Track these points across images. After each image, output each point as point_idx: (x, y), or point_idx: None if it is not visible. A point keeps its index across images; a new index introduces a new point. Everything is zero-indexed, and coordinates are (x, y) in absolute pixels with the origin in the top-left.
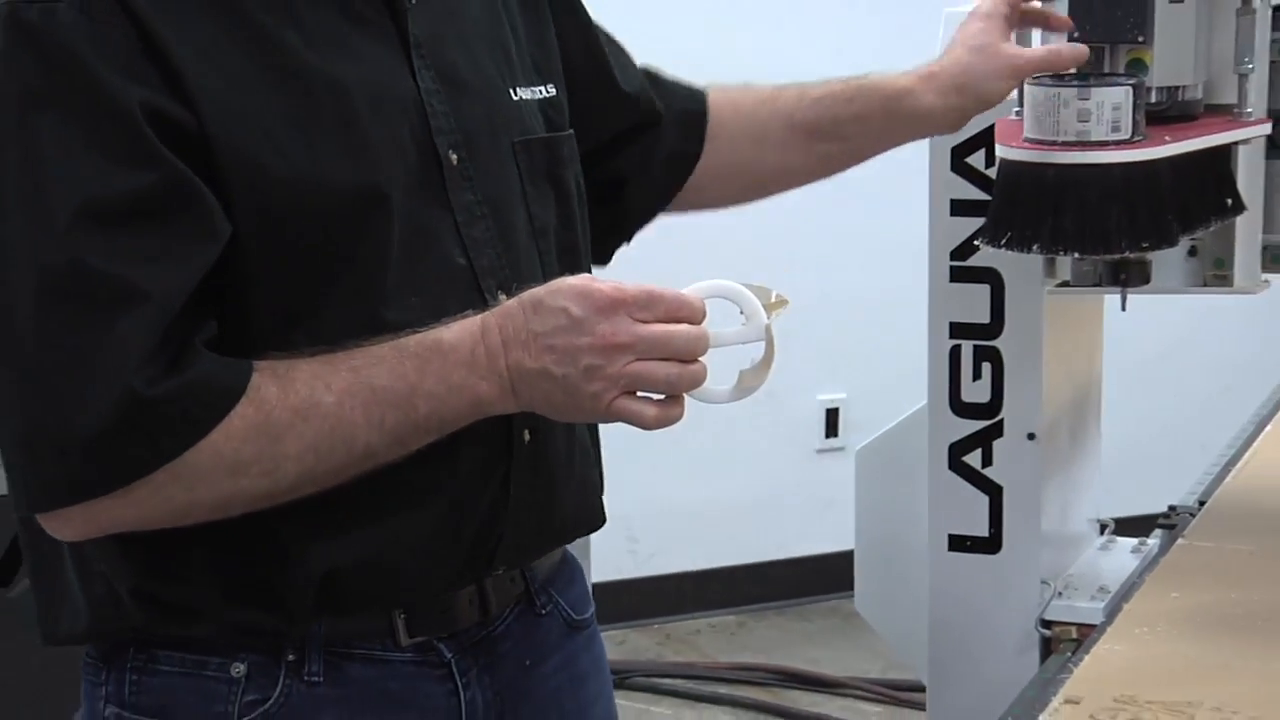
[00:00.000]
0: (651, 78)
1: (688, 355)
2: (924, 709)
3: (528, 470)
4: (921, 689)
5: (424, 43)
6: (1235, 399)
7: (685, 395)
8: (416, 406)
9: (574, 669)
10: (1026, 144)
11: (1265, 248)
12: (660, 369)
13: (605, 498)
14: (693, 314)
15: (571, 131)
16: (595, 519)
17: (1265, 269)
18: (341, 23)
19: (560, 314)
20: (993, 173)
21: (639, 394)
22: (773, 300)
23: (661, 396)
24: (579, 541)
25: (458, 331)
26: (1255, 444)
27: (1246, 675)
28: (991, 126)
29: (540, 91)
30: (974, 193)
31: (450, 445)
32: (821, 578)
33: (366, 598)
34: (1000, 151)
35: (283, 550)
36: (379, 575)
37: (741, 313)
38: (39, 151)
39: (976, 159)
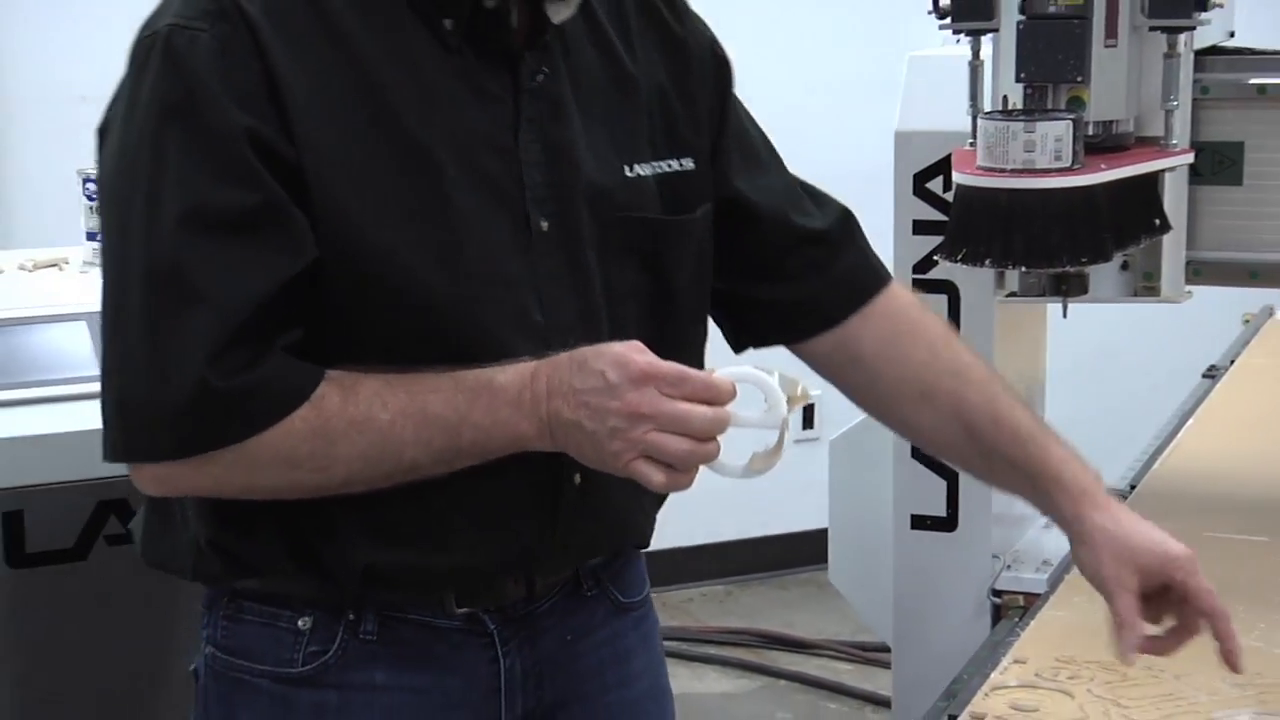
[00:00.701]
0: (845, 224)
1: (703, 434)
2: (889, 667)
3: (575, 510)
4: (887, 650)
5: (537, 118)
6: (1161, 396)
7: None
8: (462, 434)
9: (618, 646)
10: (979, 171)
11: (1189, 262)
12: (674, 443)
13: None
14: (717, 397)
15: (696, 214)
16: (640, 541)
17: (1188, 281)
18: (462, 91)
19: (599, 376)
20: (950, 197)
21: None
22: (798, 394)
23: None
24: None
25: (510, 374)
26: (1178, 436)
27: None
28: (949, 155)
29: (667, 166)
30: (933, 214)
31: (504, 481)
32: (799, 552)
33: (407, 587)
34: (956, 178)
35: (334, 535)
36: (419, 576)
37: (765, 401)
38: (164, 156)
39: (935, 184)
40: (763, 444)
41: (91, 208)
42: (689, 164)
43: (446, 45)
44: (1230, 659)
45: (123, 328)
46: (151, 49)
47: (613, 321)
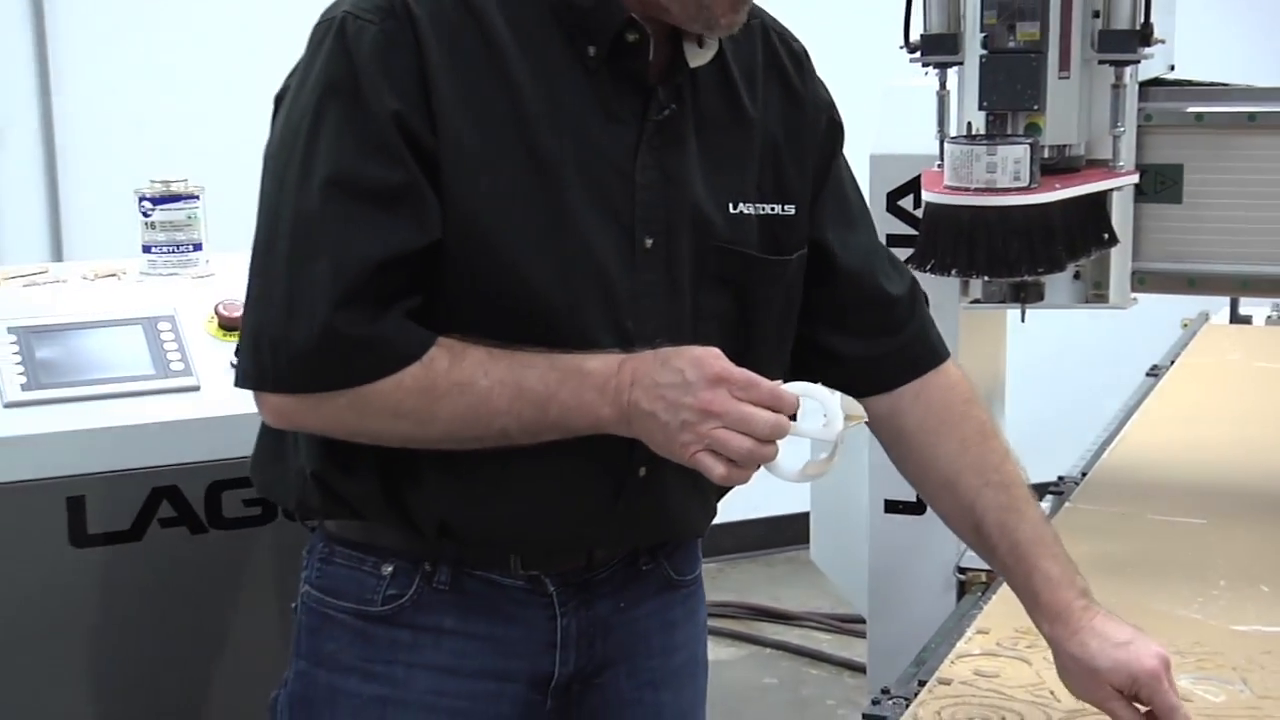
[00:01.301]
0: (914, 295)
1: (764, 437)
2: (865, 637)
3: (637, 499)
4: (862, 621)
5: (657, 147)
6: (1109, 392)
7: (766, 464)
8: (549, 410)
9: (665, 617)
10: (946, 190)
11: (1134, 272)
12: (738, 441)
13: None
14: (781, 405)
15: (791, 256)
16: (694, 533)
17: (1133, 289)
18: (594, 112)
19: (678, 373)
20: (920, 213)
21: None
22: (855, 413)
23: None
24: None
25: (599, 362)
26: (1125, 429)
27: (1120, 609)
28: (919, 176)
29: (770, 209)
30: (904, 229)
31: (575, 464)
32: (783, 533)
33: (478, 545)
34: (926, 196)
35: (419, 484)
36: (488, 536)
37: (824, 416)
38: (321, 126)
39: (907, 202)
40: (815, 454)
41: (146, 224)
42: (791, 210)
43: (587, 69)
44: None
45: (266, 269)
46: (328, 32)
47: (695, 339)
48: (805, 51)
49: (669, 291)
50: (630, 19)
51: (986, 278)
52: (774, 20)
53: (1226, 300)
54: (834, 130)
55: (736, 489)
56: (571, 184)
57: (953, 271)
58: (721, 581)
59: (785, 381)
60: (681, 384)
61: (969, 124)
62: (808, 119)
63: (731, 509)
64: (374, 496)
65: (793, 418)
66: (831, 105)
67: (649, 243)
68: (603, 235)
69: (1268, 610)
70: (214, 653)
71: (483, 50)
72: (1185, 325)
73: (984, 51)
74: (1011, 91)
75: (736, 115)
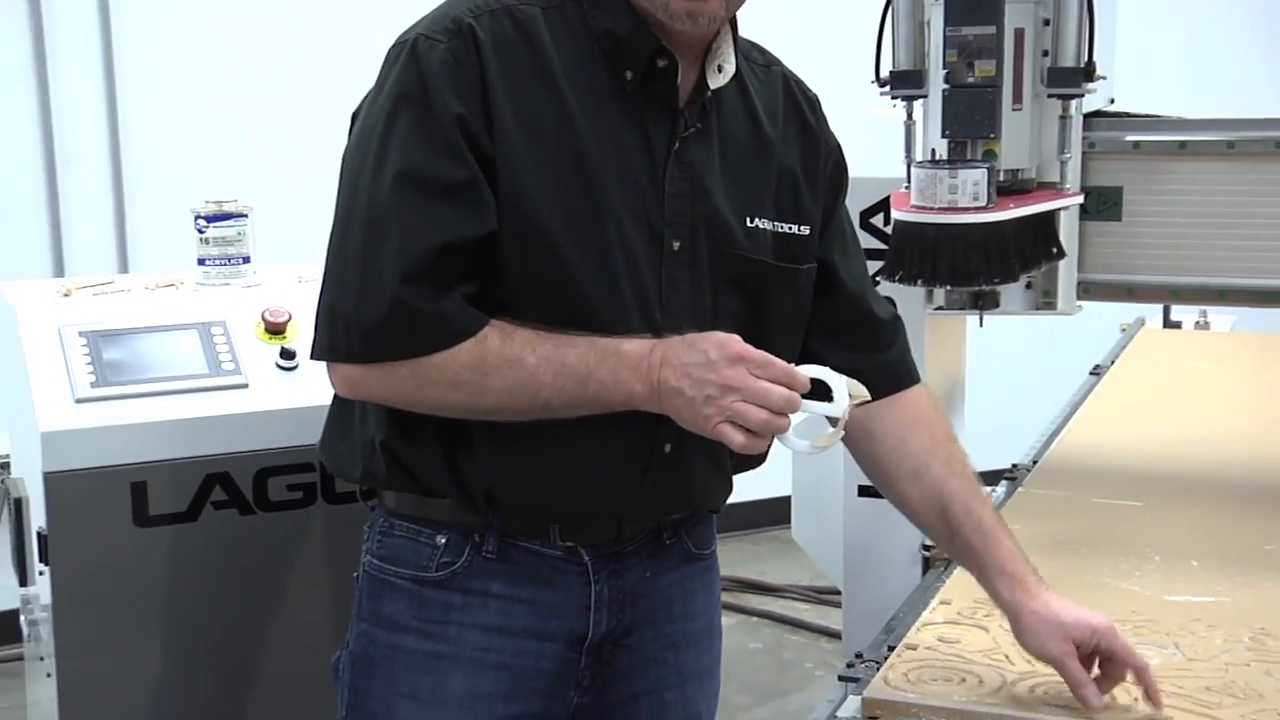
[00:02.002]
0: (897, 323)
1: (779, 409)
2: (840, 607)
3: (662, 474)
4: (838, 593)
5: (686, 161)
6: (1056, 389)
7: (780, 436)
8: (589, 385)
9: (686, 586)
10: (913, 209)
11: (1079, 282)
12: (755, 413)
13: None
14: (794, 383)
15: (801, 269)
16: (713, 507)
17: (1079, 297)
18: (630, 128)
19: (702, 354)
20: (890, 230)
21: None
22: (858, 393)
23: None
24: None
25: (634, 344)
26: (1070, 422)
27: (1067, 581)
28: (889, 196)
29: (785, 227)
30: (876, 244)
31: (606, 441)
32: (768, 515)
33: (519, 513)
34: (894, 214)
35: (471, 452)
36: (528, 508)
37: (831, 394)
38: (394, 129)
39: (878, 219)
40: (823, 429)
41: (201, 239)
42: (804, 230)
43: (625, 90)
44: (1155, 699)
45: (341, 253)
46: (401, 51)
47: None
48: (818, 98)
49: (692, 289)
50: (661, 47)
51: (949, 287)
52: (790, 71)
53: (1160, 307)
54: (840, 172)
55: (738, 477)
56: (610, 190)
57: (919, 281)
58: None
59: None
60: (705, 363)
61: (933, 150)
62: (820, 154)
63: None
64: (435, 464)
65: (806, 397)
66: (839, 150)
67: (676, 245)
68: (636, 236)
69: (1197, 582)
70: (262, 618)
71: (536, 71)
72: (1124, 329)
73: (946, 86)
74: (971, 122)
75: (758, 142)
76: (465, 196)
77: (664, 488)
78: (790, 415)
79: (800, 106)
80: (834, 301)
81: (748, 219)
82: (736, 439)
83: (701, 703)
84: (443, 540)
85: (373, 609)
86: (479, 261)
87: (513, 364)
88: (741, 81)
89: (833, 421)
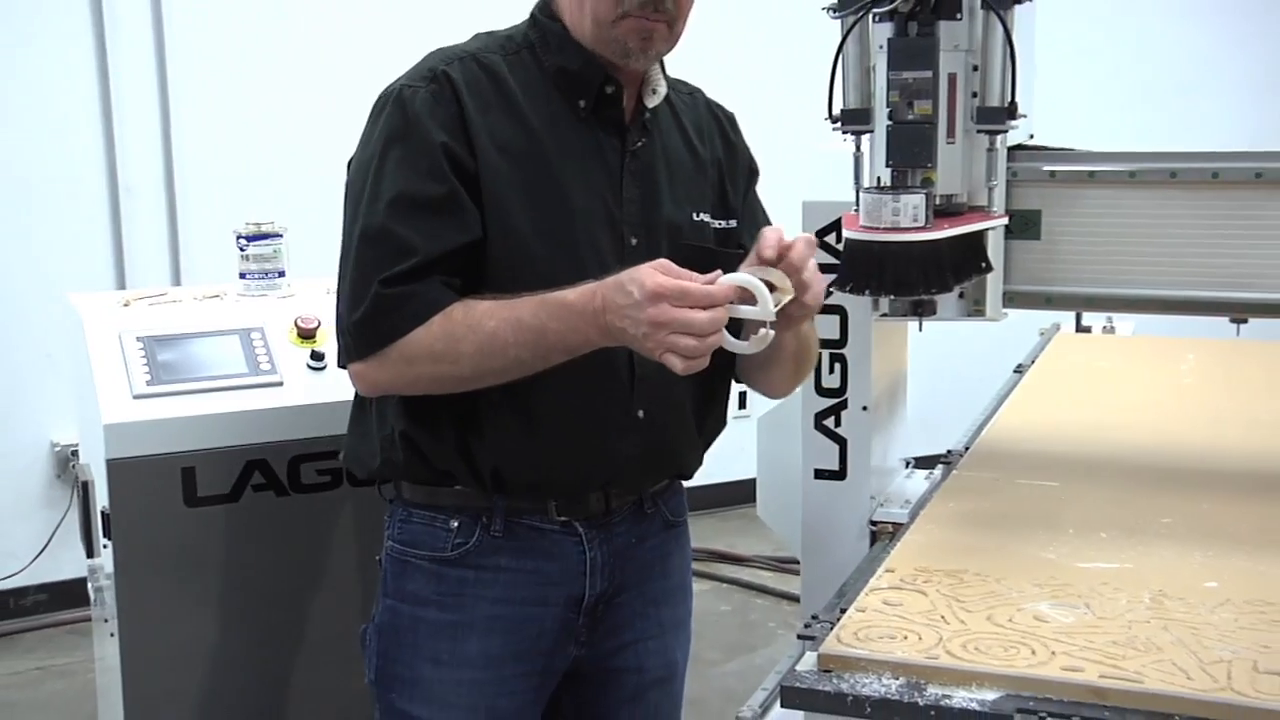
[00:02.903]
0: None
1: (706, 333)
2: (799, 575)
3: (639, 436)
4: (797, 563)
5: (636, 170)
6: (985, 385)
7: (722, 344)
8: (547, 337)
9: (663, 550)
10: (861, 229)
11: (1004, 293)
12: (685, 341)
13: None
14: (714, 302)
15: (739, 252)
16: (686, 472)
17: (1004, 306)
18: (587, 147)
19: (629, 294)
20: (841, 247)
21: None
22: (782, 287)
23: None
24: None
25: (578, 294)
26: (997, 413)
27: (995, 553)
28: (840, 218)
29: (720, 222)
30: (830, 259)
31: (588, 413)
32: (737, 494)
33: (523, 489)
34: (845, 233)
35: (482, 434)
36: (530, 484)
37: (755, 298)
38: (386, 164)
39: (831, 238)
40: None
41: (242, 256)
42: (733, 223)
43: (579, 116)
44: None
45: (342, 274)
46: (388, 100)
47: None
48: (733, 115)
49: None
50: (608, 76)
51: (892, 297)
52: (707, 95)
53: (1073, 314)
54: (753, 174)
55: (711, 458)
56: (576, 197)
57: (866, 292)
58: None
59: (721, 279)
60: (633, 303)
61: (878, 178)
62: (739, 161)
63: (698, 476)
64: (448, 449)
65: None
66: (752, 156)
67: (634, 241)
68: (600, 235)
69: (1105, 551)
70: (296, 585)
71: (504, 103)
72: (1042, 333)
73: (889, 122)
74: (911, 153)
75: (690, 151)
76: (450, 211)
77: (642, 451)
78: (721, 329)
79: (721, 123)
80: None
81: (693, 214)
82: (677, 365)
83: (677, 649)
84: (455, 524)
85: (397, 586)
86: (468, 263)
87: (475, 329)
88: (671, 105)
89: (764, 322)
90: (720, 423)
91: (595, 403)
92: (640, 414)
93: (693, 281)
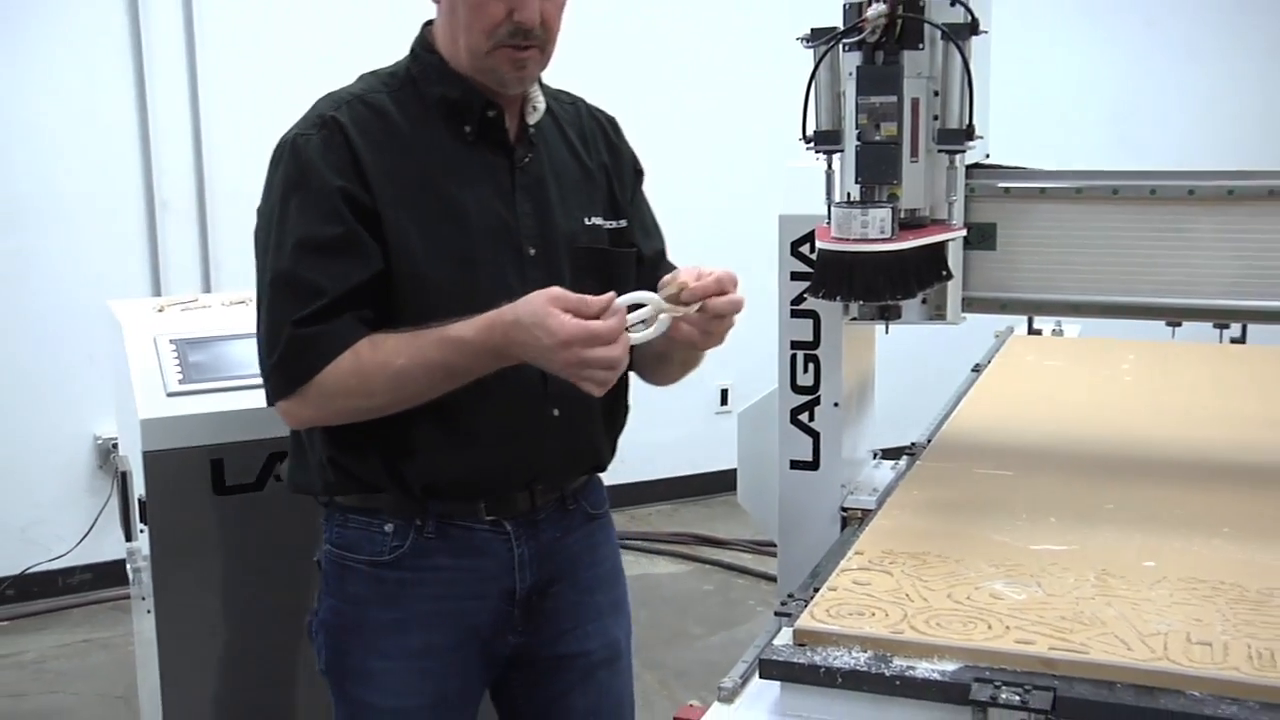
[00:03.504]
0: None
1: (616, 365)
2: (775, 557)
3: (557, 433)
4: (774, 546)
5: (525, 185)
6: (946, 383)
7: (629, 339)
8: (455, 371)
9: (589, 541)
10: (833, 240)
11: (963, 298)
12: (601, 374)
13: None
14: (615, 334)
15: (632, 250)
16: (600, 463)
17: (963, 310)
18: (478, 169)
19: (537, 339)
20: (814, 257)
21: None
22: (670, 295)
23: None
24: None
25: (474, 331)
26: (957, 408)
27: (955, 536)
28: (814, 230)
29: (611, 223)
30: (804, 268)
31: (508, 417)
32: (719, 483)
33: (454, 496)
34: (818, 244)
35: (413, 457)
36: (460, 489)
37: (647, 306)
38: (288, 211)
39: (805, 249)
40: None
41: None
42: (624, 223)
43: (466, 140)
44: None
45: (261, 318)
46: (284, 150)
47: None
48: (615, 119)
49: (549, 284)
50: (488, 101)
51: (861, 302)
52: (588, 103)
53: (1025, 318)
54: (638, 174)
55: (695, 450)
56: (471, 218)
57: (838, 298)
58: (675, 518)
59: (617, 298)
60: (543, 347)
61: (848, 193)
62: (624, 164)
63: (682, 466)
64: (378, 470)
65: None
66: (636, 157)
67: (532, 252)
68: (499, 249)
69: (1055, 534)
70: (314, 567)
71: (393, 138)
72: (998, 336)
73: (858, 143)
74: (878, 171)
75: (577, 161)
76: (351, 249)
77: (560, 448)
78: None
79: (604, 127)
80: (641, 269)
81: (585, 219)
82: (595, 392)
83: (616, 629)
84: (390, 527)
85: (338, 588)
86: (377, 295)
87: (385, 366)
88: (554, 117)
89: (653, 318)
90: (625, 413)
91: (514, 407)
92: (555, 413)
93: (588, 304)
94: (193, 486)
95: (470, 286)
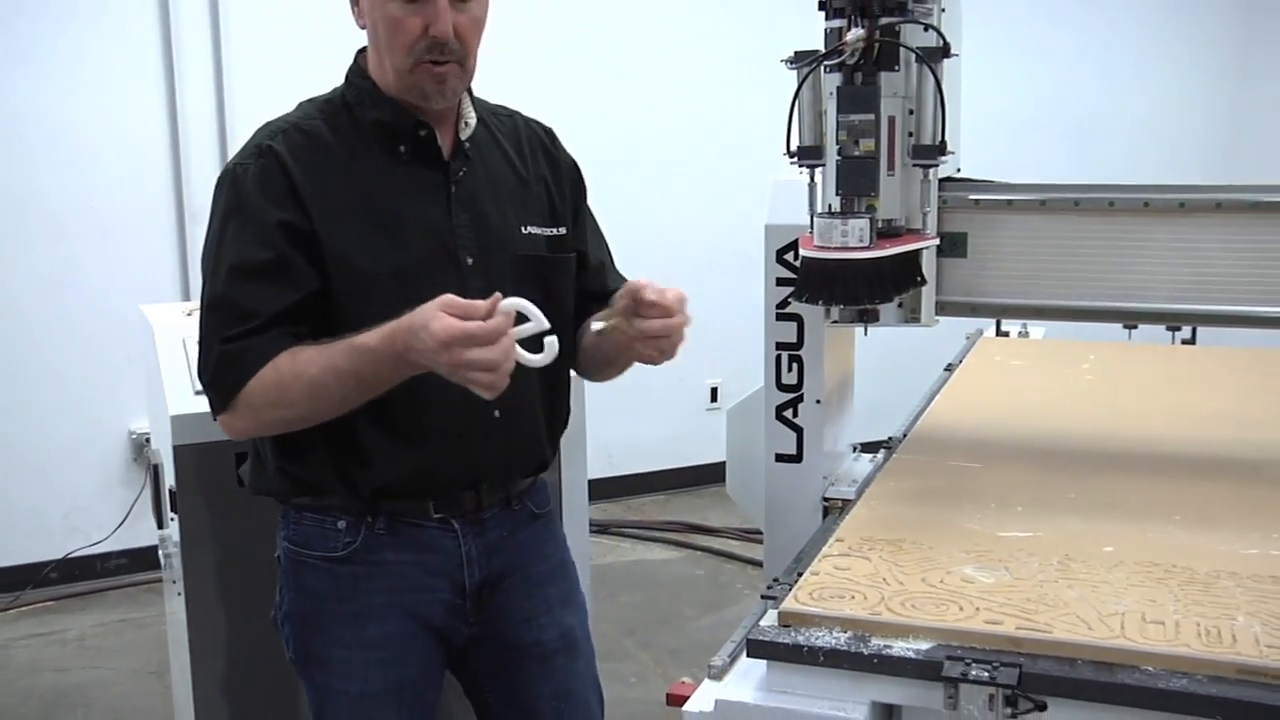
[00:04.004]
0: (609, 267)
1: (498, 364)
2: (762, 544)
3: (499, 435)
4: (760, 533)
5: (461, 199)
6: (921, 381)
7: (517, 362)
8: (365, 379)
9: (536, 538)
10: (816, 248)
11: (937, 302)
12: (484, 376)
13: (594, 436)
14: (496, 336)
15: (570, 255)
16: (544, 462)
17: (937, 314)
18: (414, 185)
19: (424, 343)
20: (798, 264)
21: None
22: (612, 319)
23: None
24: (577, 457)
25: (377, 340)
26: (931, 404)
27: (930, 525)
28: (797, 239)
29: (550, 230)
30: (788, 274)
31: (452, 420)
32: (709, 475)
33: (403, 495)
34: (802, 252)
35: (364, 468)
36: (408, 490)
37: (530, 320)
38: (225, 236)
39: (789, 256)
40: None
41: None
42: (563, 230)
43: (401, 160)
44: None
45: (200, 339)
46: (224, 180)
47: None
48: (552, 129)
49: (489, 291)
50: (419, 121)
51: (842, 306)
52: (525, 116)
53: (994, 321)
54: (580, 182)
55: (686, 444)
56: (410, 232)
57: (820, 302)
58: (668, 508)
59: (501, 301)
60: (428, 349)
61: (830, 205)
62: (563, 172)
63: (674, 459)
64: (327, 477)
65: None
66: (576, 165)
67: (470, 261)
68: (437, 260)
69: (1021, 522)
70: None
71: (329, 163)
72: (968, 337)
73: (839, 157)
74: (857, 184)
75: (513, 171)
76: (281, 272)
77: (503, 447)
78: (510, 356)
79: (540, 138)
80: (584, 275)
81: (522, 228)
82: (485, 394)
83: (570, 618)
84: (343, 524)
85: (297, 582)
86: (312, 313)
87: (300, 377)
88: (490, 130)
89: (543, 337)
90: (567, 414)
91: (455, 410)
92: (497, 414)
93: (476, 307)
94: (219, 479)
95: (411, 298)
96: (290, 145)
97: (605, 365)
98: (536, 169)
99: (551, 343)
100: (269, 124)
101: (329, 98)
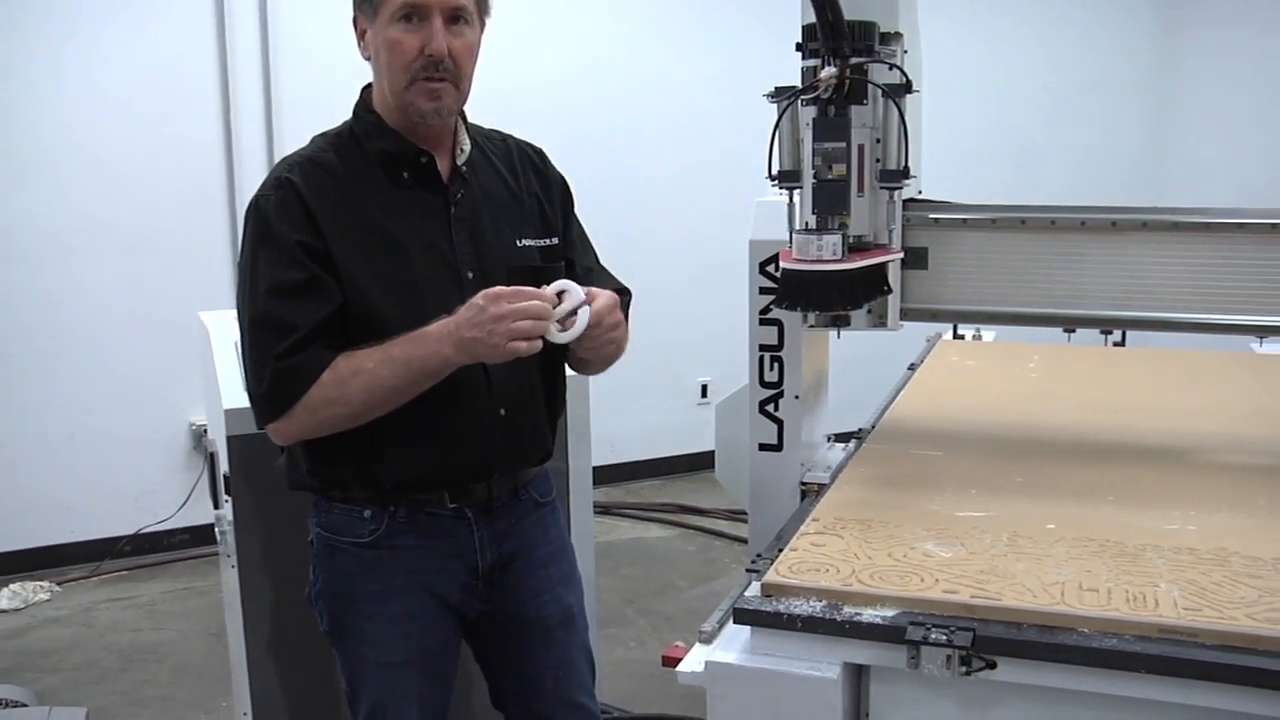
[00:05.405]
0: (599, 269)
1: (537, 315)
2: (747, 523)
3: (505, 431)
4: (746, 514)
5: (461, 218)
6: (887, 379)
7: (548, 337)
8: (413, 365)
9: (542, 524)
10: (794, 261)
11: (901, 309)
12: (523, 324)
13: (598, 427)
14: (541, 297)
15: (560, 265)
16: (547, 452)
17: (901, 319)
18: (417, 208)
19: (474, 307)
20: (779, 275)
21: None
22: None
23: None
24: (583, 446)
25: (434, 326)
26: (896, 399)
27: (895, 506)
28: (778, 253)
29: (543, 241)
30: (770, 284)
31: (464, 420)
32: (701, 462)
33: (422, 489)
34: (782, 265)
35: (381, 461)
36: (426, 483)
37: (568, 293)
38: (258, 262)
39: (771, 268)
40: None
41: None
42: (554, 240)
43: (404, 185)
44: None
45: (246, 354)
46: (251, 210)
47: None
48: (542, 149)
49: None
50: (420, 149)
51: (817, 312)
52: (516, 138)
53: (951, 325)
54: (568, 195)
55: (679, 435)
56: (415, 252)
57: (798, 309)
58: (663, 491)
59: (551, 282)
60: (479, 310)
61: (806, 222)
62: (553, 187)
63: (669, 448)
64: (351, 475)
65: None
66: (564, 180)
67: (470, 275)
68: (440, 276)
69: (975, 503)
70: None
71: (341, 192)
72: (929, 340)
73: (814, 180)
74: (830, 204)
75: (506, 189)
76: (313, 290)
77: (509, 443)
78: (550, 320)
79: (531, 157)
80: (572, 276)
81: (517, 241)
82: (521, 348)
83: (569, 596)
84: (368, 513)
85: (328, 563)
86: (341, 325)
87: (358, 373)
88: (484, 153)
89: (574, 312)
90: (563, 403)
91: (466, 412)
92: (502, 412)
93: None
94: (267, 464)
95: (417, 311)
96: (305, 176)
97: (583, 364)
98: (528, 185)
99: (584, 312)
100: (286, 158)
101: (339, 131)
